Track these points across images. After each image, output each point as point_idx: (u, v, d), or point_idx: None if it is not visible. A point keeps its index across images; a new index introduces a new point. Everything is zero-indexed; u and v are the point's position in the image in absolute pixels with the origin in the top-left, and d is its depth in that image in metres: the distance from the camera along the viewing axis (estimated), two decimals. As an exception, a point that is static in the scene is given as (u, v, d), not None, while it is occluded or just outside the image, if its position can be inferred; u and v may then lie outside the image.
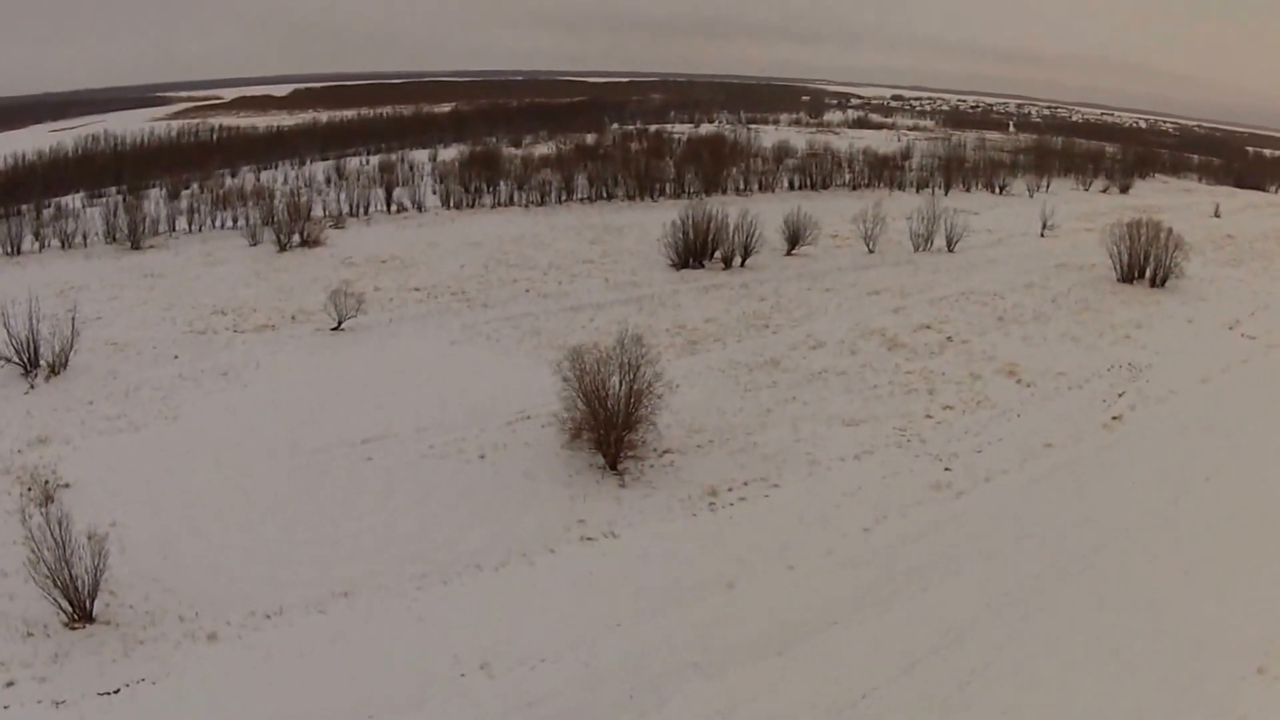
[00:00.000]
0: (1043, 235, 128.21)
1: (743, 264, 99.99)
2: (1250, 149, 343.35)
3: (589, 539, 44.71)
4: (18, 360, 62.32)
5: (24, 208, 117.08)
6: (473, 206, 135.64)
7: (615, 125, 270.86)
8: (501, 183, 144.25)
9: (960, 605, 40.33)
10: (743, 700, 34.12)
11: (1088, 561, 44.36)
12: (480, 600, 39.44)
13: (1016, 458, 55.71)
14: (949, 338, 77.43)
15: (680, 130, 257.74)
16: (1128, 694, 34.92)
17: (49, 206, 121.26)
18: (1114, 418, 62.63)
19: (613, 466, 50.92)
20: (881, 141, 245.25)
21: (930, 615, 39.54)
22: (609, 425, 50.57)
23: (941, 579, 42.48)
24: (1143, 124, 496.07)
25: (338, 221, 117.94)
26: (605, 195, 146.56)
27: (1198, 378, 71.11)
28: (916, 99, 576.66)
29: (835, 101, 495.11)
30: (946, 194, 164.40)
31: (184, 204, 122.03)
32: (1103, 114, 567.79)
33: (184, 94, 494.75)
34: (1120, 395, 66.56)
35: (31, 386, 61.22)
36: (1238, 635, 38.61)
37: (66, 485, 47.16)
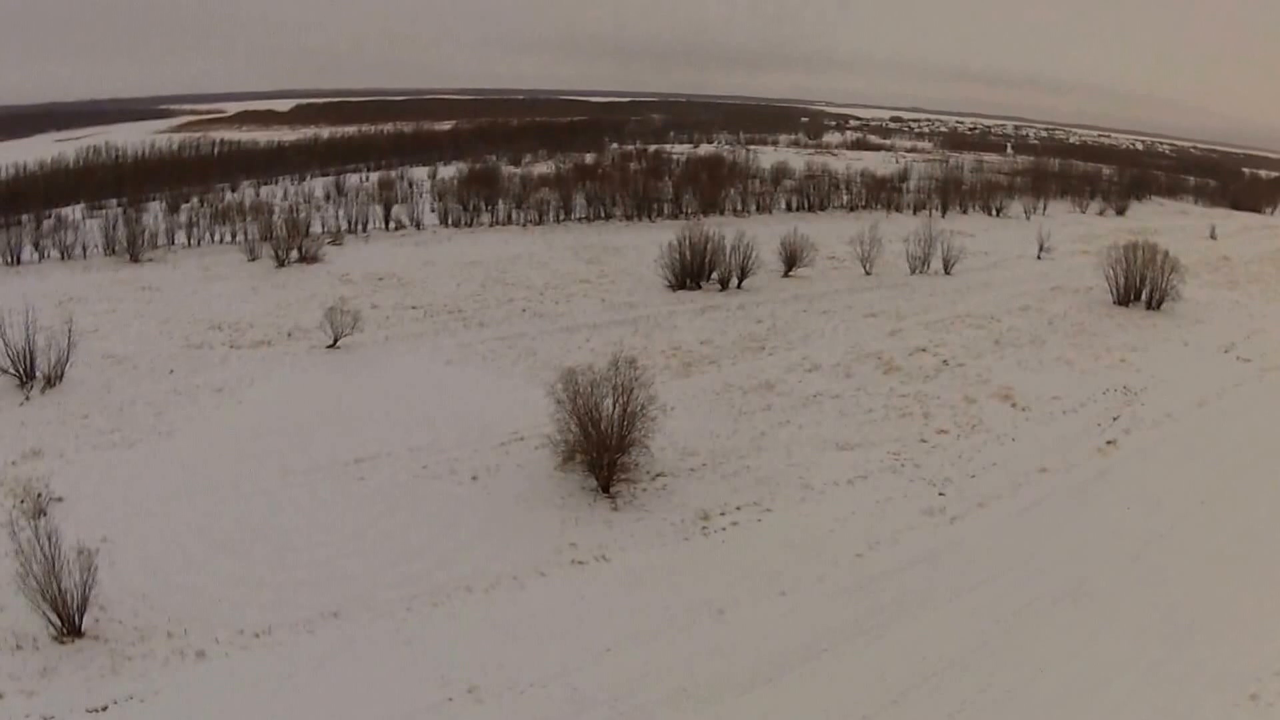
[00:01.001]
0: (1039, 258, 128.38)
1: (739, 285, 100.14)
2: (1246, 171, 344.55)
3: (580, 562, 44.57)
4: (14, 372, 62.52)
5: (24, 218, 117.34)
6: (471, 225, 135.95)
7: (615, 145, 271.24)
8: (500, 201, 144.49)
9: (952, 633, 40.19)
10: (733, 728, 33.91)
11: (1081, 588, 44.21)
12: (469, 623, 39.29)
13: (1010, 483, 55.60)
14: (944, 361, 77.50)
15: (679, 151, 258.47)
16: (1121, 722, 34.79)
17: (49, 217, 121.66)
18: (1109, 442, 62.62)
19: (605, 489, 50.84)
20: (879, 163, 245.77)
21: (922, 643, 39.35)
22: (602, 448, 50.50)
23: (934, 606, 42.32)
24: (1139, 146, 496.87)
25: (336, 238, 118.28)
26: (603, 215, 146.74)
27: (1193, 401, 71.25)
28: (915, 121, 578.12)
29: (834, 123, 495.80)
30: (944, 216, 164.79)
31: (183, 218, 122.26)
32: (1100, 136, 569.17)
33: (188, 107, 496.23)
34: (1115, 419, 66.58)
35: (27, 398, 61.36)
36: (1231, 661, 38.57)
37: (59, 499, 47.13)
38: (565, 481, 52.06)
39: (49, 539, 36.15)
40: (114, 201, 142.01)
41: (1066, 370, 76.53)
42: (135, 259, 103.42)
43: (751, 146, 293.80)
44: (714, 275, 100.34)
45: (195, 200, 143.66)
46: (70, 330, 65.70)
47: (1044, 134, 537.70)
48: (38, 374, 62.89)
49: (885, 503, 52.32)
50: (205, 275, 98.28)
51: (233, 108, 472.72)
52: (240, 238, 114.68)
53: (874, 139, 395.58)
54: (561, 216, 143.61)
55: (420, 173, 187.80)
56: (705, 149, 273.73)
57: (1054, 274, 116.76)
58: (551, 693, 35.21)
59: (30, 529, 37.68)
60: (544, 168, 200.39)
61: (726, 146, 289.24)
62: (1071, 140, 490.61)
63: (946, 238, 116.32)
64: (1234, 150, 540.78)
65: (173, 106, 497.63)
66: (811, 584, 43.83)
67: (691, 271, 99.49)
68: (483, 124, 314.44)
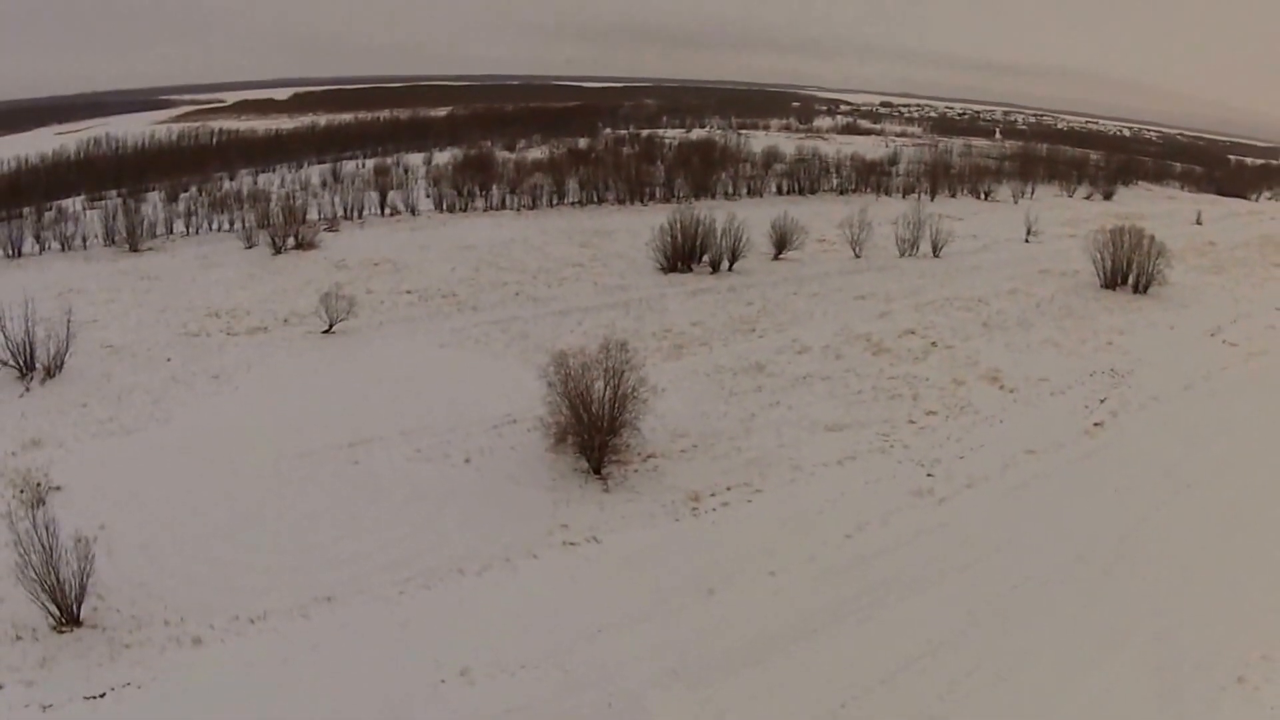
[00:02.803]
0: (1027, 241, 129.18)
1: (730, 268, 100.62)
2: (1232, 158, 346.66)
3: (571, 544, 45.04)
4: (14, 363, 63.05)
5: (25, 210, 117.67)
6: (465, 210, 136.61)
7: (608, 130, 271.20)
8: (494, 186, 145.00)
9: (940, 614, 40.59)
10: (722, 710, 34.38)
11: (1068, 570, 44.63)
12: (462, 605, 39.77)
13: (998, 464, 56.07)
14: (933, 343, 78.05)
15: (671, 135, 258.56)
16: (1108, 705, 35.26)
17: (50, 209, 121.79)
18: (1096, 424, 63.11)
19: (596, 471, 51.36)
20: (869, 147, 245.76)
21: (910, 624, 39.80)
22: (593, 430, 50.98)
23: (922, 587, 42.76)
24: (1127, 132, 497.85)
25: (332, 225, 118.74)
26: (596, 199, 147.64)
27: (1179, 384, 71.65)
28: (905, 106, 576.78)
29: (825, 108, 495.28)
30: (933, 200, 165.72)
31: (182, 207, 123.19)
32: (1087, 122, 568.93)
33: (187, 97, 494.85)
34: (1102, 401, 67.08)
35: (27, 389, 61.82)
36: (1219, 644, 38.96)
37: (58, 488, 47.62)
38: (557, 463, 52.57)
39: (47, 529, 36.59)
40: (114, 192, 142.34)
41: (1054, 353, 77.04)
42: (134, 249, 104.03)
43: (743, 131, 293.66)
44: (705, 258, 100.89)
45: (194, 190, 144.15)
46: (69, 321, 66.14)
47: (1032, 119, 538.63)
48: (37, 365, 63.42)
49: (874, 484, 52.80)
50: (203, 264, 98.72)
51: (232, 97, 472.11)
52: (238, 226, 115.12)
53: (864, 123, 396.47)
54: (555, 201, 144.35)
55: (416, 159, 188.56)
56: (697, 133, 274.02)
57: (1041, 257, 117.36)
58: (542, 674, 35.65)
59: (29, 519, 38.02)
60: (538, 153, 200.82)
61: (718, 131, 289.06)
62: (1059, 126, 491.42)
63: (935, 221, 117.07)
64: (1220, 137, 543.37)
65: (172, 97, 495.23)
66: (801, 564, 44.25)
67: (683, 254, 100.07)
68: (478, 110, 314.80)
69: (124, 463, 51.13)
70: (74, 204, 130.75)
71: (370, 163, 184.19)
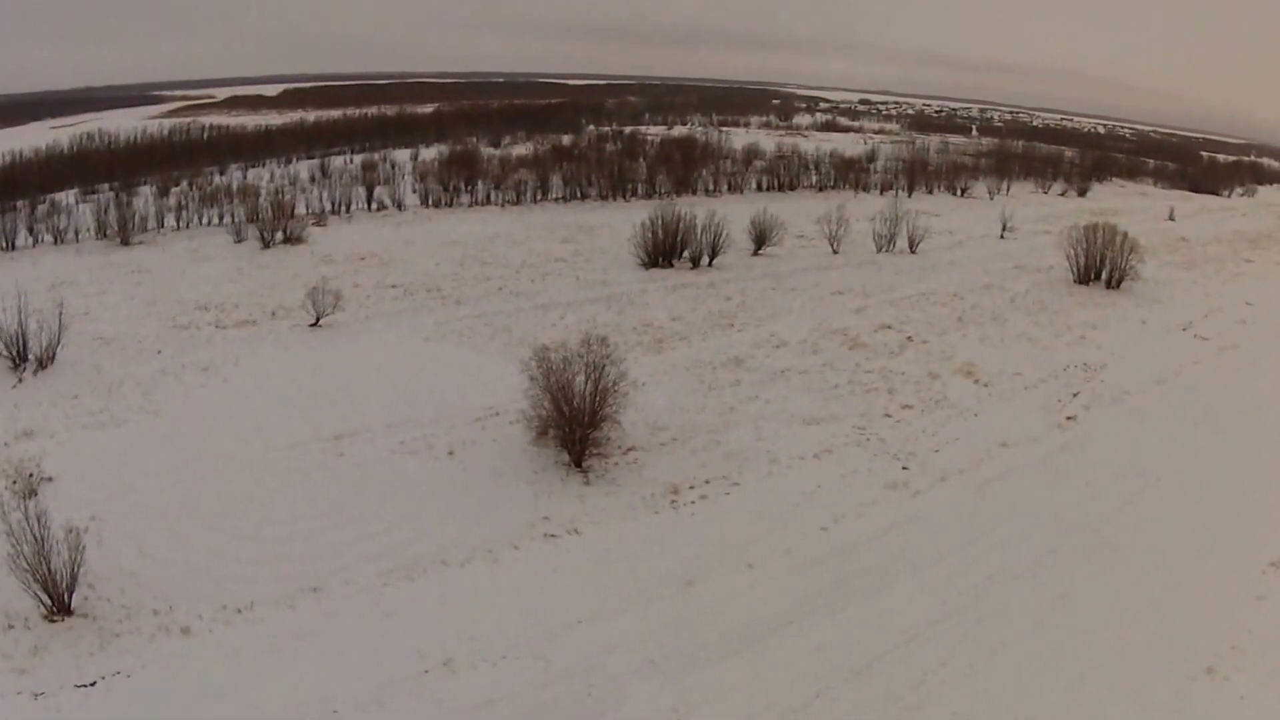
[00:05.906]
0: (1002, 237, 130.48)
1: (710, 264, 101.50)
2: (1204, 154, 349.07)
3: (552, 536, 45.78)
4: (7, 354, 63.75)
5: (19, 204, 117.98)
6: (451, 205, 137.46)
7: (591, 127, 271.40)
8: (479, 182, 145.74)
9: (915, 606, 41.28)
10: (699, 700, 34.97)
11: (1041, 563, 45.39)
12: (445, 596, 40.43)
13: (972, 457, 56.95)
14: (909, 338, 79.01)
15: (654, 132, 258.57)
16: (1079, 696, 35.88)
17: (44, 203, 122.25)
18: (1069, 418, 64.07)
19: (577, 464, 52.11)
20: (848, 144, 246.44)
21: (885, 615, 40.47)
22: (574, 423, 51.67)
23: (897, 579, 43.47)
24: (1101, 129, 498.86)
25: (320, 219, 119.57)
26: (579, 195, 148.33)
27: (1152, 379, 72.77)
28: (883, 103, 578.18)
29: (804, 105, 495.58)
30: (910, 196, 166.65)
31: (173, 201, 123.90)
32: (1062, 119, 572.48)
33: (179, 93, 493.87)
34: (1075, 395, 68.08)
35: (20, 380, 62.31)
36: (1189, 635, 39.70)
37: (50, 479, 48.12)
38: (539, 456, 53.31)
39: (39, 519, 37.10)
40: (106, 186, 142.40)
41: (1028, 347, 78.09)
42: (126, 242, 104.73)
43: (724, 128, 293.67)
44: (685, 254, 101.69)
45: (185, 184, 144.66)
46: (61, 313, 66.55)
47: (1008, 117, 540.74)
48: (30, 357, 64.04)
49: (850, 476, 53.55)
50: (193, 257, 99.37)
51: (223, 93, 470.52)
52: (227, 220, 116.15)
53: (843, 121, 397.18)
54: (539, 197, 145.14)
55: (403, 155, 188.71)
56: (679, 130, 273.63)
57: (1016, 253, 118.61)
58: (524, 664, 36.30)
59: (21, 510, 38.44)
60: (522, 149, 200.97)
61: (700, 128, 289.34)
62: (1035, 123, 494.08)
63: (912, 217, 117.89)
64: (1193, 134, 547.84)
65: (165, 92, 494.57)
66: (778, 557, 44.97)
67: (664, 250, 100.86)
68: (464, 107, 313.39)
69: (114, 454, 51.74)
70: (67, 197, 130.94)
71: (358, 158, 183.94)
